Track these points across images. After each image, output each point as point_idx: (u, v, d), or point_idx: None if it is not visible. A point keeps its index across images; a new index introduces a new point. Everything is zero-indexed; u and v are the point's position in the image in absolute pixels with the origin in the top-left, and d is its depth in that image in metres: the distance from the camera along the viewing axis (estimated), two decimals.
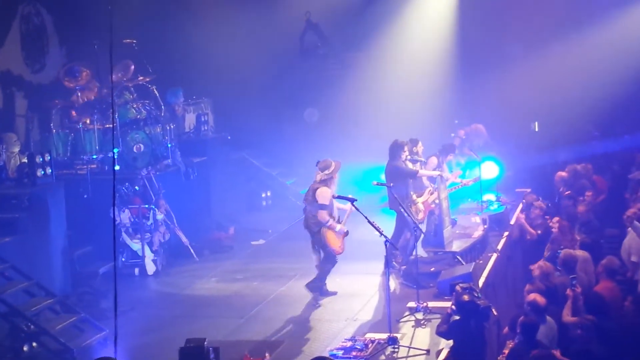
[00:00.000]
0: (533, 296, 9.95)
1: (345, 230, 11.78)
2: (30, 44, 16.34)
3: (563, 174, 15.80)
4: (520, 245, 14.42)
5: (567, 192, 15.21)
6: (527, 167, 17.49)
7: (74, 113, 15.23)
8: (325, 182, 11.76)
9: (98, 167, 14.93)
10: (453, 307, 9.72)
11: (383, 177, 12.70)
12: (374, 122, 19.10)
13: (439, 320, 10.15)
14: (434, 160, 14.36)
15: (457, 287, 9.91)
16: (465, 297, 9.64)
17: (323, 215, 11.59)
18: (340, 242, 11.76)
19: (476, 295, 9.88)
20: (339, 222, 11.71)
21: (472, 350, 9.48)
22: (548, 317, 9.87)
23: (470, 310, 9.56)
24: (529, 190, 16.13)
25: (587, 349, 9.49)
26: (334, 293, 12.04)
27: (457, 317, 9.58)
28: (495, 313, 10.29)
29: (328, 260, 11.88)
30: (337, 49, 20.61)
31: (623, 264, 12.14)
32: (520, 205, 15.30)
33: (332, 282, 12.34)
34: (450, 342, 9.71)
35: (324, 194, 11.65)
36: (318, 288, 11.97)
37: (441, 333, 9.80)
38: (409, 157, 12.85)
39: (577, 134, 18.60)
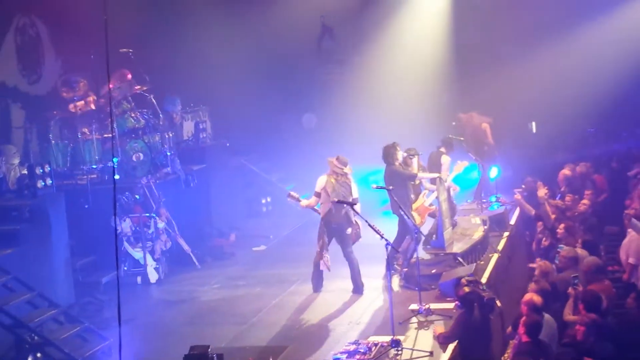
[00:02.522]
0: (529, 296, 9.92)
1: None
2: (26, 56, 16.32)
3: (567, 172, 15.71)
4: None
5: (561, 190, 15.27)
6: (525, 167, 17.50)
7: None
8: (336, 174, 11.97)
9: (98, 177, 14.95)
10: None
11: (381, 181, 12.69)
12: (371, 125, 19.08)
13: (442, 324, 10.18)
14: (446, 159, 14.13)
15: (462, 281, 9.97)
16: (470, 290, 9.70)
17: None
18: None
19: (481, 287, 9.93)
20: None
21: (478, 342, 9.50)
22: (546, 315, 9.87)
23: (475, 303, 9.60)
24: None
25: (589, 347, 9.48)
26: None
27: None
28: (499, 304, 10.32)
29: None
30: (349, 53, 20.59)
31: (619, 265, 12.18)
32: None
33: (333, 285, 12.41)
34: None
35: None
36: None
37: (446, 337, 9.82)
38: (400, 159, 12.78)
39: (574, 132, 18.63)
